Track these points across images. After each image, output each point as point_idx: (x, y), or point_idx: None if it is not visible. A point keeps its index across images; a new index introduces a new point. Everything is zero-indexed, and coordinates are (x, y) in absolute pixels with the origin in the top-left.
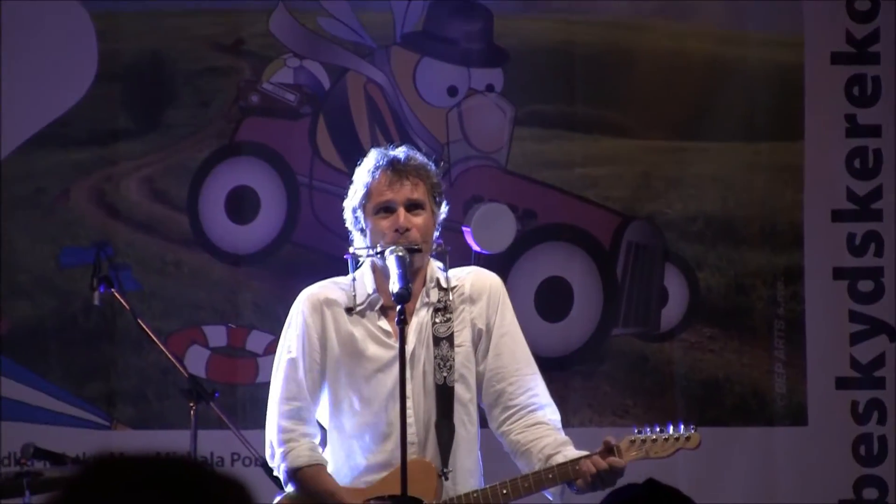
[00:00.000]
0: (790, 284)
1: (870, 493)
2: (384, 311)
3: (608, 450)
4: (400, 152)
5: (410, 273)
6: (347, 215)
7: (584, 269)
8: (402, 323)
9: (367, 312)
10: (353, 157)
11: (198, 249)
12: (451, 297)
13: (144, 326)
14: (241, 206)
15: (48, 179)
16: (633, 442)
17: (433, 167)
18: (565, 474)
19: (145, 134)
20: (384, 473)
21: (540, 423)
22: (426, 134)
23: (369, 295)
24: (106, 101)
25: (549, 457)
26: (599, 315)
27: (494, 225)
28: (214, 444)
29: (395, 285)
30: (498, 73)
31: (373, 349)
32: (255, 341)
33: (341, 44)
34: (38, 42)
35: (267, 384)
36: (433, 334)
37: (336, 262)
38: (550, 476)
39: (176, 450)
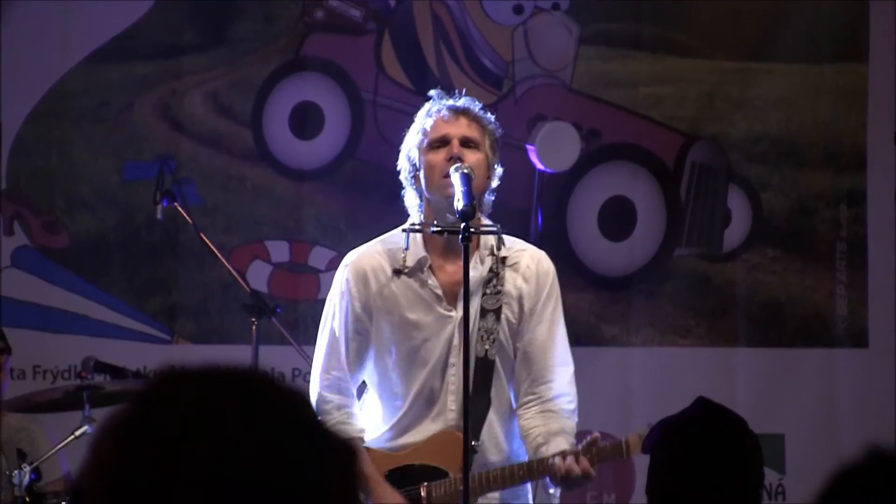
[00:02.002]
0: (853, 207)
1: None
2: (433, 271)
3: (588, 447)
4: (457, 97)
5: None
6: (403, 164)
7: (648, 189)
8: (466, 241)
9: (416, 274)
10: (418, 73)
11: (261, 165)
12: (503, 267)
13: (207, 241)
14: (305, 121)
15: (112, 93)
16: (641, 437)
17: (493, 122)
18: (531, 472)
19: (210, 48)
20: (420, 439)
21: (548, 411)
22: (491, 52)
23: (419, 256)
24: (171, 14)
25: (538, 447)
26: (662, 235)
27: (558, 143)
28: (275, 358)
29: (459, 202)
30: None
31: (421, 315)
32: (318, 257)
33: None
34: None
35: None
36: (482, 305)
37: (399, 178)
38: (521, 473)
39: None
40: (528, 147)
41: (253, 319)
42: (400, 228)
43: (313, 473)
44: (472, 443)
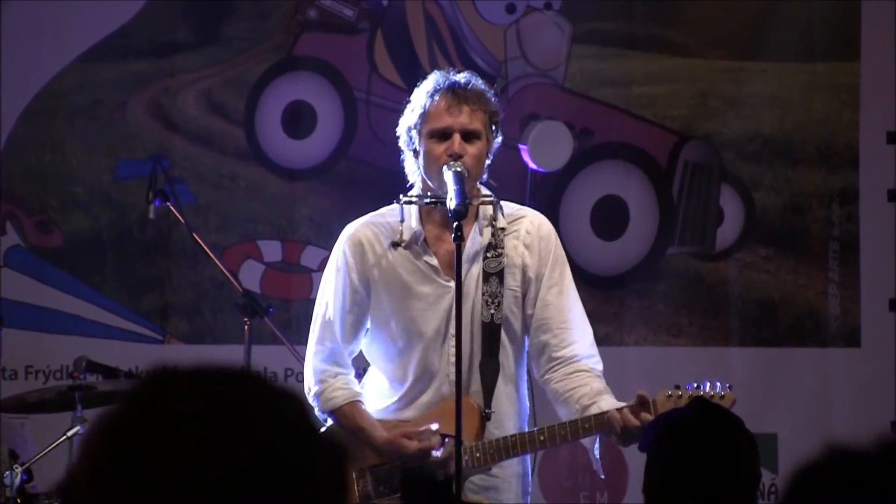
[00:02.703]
0: (845, 205)
1: None
2: (427, 245)
3: (641, 403)
4: (462, 77)
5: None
6: (402, 133)
7: (641, 188)
8: (459, 240)
9: (413, 247)
10: (411, 73)
11: (254, 164)
12: (502, 236)
13: (199, 240)
14: (298, 120)
15: (106, 91)
16: (669, 397)
17: (493, 95)
18: (601, 425)
19: (203, 46)
20: (425, 410)
21: (580, 370)
22: (484, 51)
23: (413, 230)
24: (165, 13)
25: (586, 407)
26: (655, 234)
27: (551, 143)
28: (268, 358)
29: (452, 201)
30: None
31: (420, 286)
32: (310, 256)
33: None
34: None
35: None
36: (483, 269)
37: (392, 178)
38: (587, 426)
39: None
40: (521, 146)
41: (245, 319)
42: (398, 200)
43: (305, 472)
44: (487, 410)
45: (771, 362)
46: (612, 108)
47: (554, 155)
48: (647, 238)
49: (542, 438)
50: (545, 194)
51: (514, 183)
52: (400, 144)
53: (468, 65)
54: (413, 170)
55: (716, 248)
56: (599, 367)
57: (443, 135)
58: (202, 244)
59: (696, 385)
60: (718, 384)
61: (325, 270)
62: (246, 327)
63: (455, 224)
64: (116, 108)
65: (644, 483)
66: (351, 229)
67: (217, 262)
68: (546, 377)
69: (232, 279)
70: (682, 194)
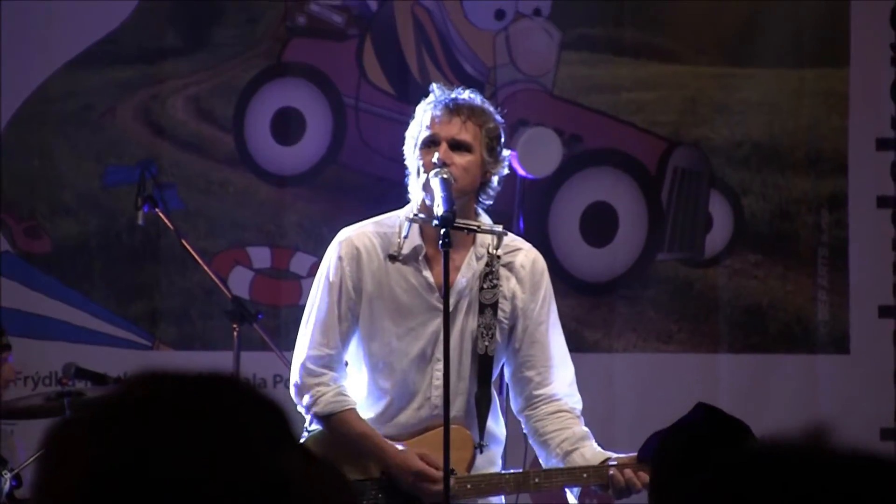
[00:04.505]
0: (834, 212)
1: None
2: (428, 262)
3: (639, 461)
4: (462, 93)
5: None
6: (407, 151)
7: (630, 195)
8: (447, 246)
9: (411, 262)
10: (400, 79)
11: (243, 170)
12: (497, 265)
13: (188, 247)
14: (287, 126)
15: (94, 97)
16: None
17: (496, 116)
18: (600, 478)
19: (192, 52)
20: (402, 430)
21: (561, 410)
22: (473, 57)
23: (415, 245)
24: (153, 19)
25: (568, 452)
26: (644, 240)
27: (540, 149)
28: (257, 365)
29: (438, 208)
30: None
31: (411, 304)
32: (299, 263)
33: None
34: None
35: None
36: (479, 301)
37: (381, 184)
38: (585, 476)
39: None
40: (510, 153)
41: (234, 325)
42: (402, 215)
43: (285, 484)
44: (480, 442)
45: (760, 369)
46: (602, 114)
47: (543, 161)
48: (637, 244)
49: (536, 480)
50: (535, 201)
51: (504, 189)
52: (406, 161)
53: (457, 71)
54: (416, 188)
55: (705, 254)
56: (579, 406)
57: (431, 143)
58: (191, 250)
59: None
60: None
61: (319, 273)
62: (235, 333)
63: (443, 231)
64: (105, 114)
65: (651, 492)
66: (346, 234)
67: (206, 268)
68: (527, 413)
69: (221, 285)
70: (671, 200)
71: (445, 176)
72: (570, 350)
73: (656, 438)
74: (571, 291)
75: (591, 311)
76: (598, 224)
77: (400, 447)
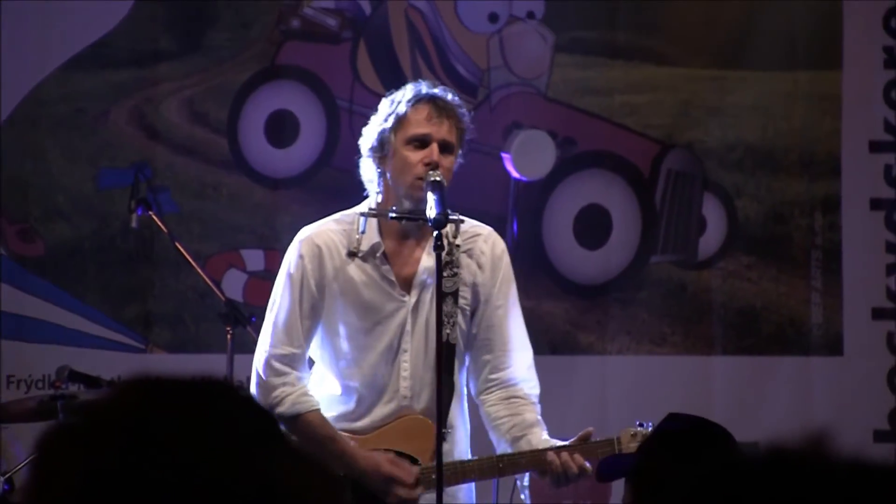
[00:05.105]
0: (828, 214)
1: None
2: (386, 257)
3: (584, 441)
4: (440, 90)
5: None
6: (369, 138)
7: (623, 197)
8: (440, 248)
9: (370, 258)
10: (394, 82)
11: (237, 172)
12: (457, 253)
13: (182, 250)
14: (281, 129)
15: (88, 100)
16: (633, 435)
17: (469, 121)
18: (538, 463)
19: (186, 55)
20: (373, 424)
21: (515, 397)
22: (467, 60)
23: (373, 241)
24: (147, 21)
25: (516, 438)
26: (638, 243)
27: (534, 152)
28: (250, 368)
29: (432, 210)
30: (539, 1)
31: (375, 299)
32: None
33: None
34: None
35: None
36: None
37: None
38: (523, 461)
39: (212, 374)
40: (504, 155)
41: (228, 328)
42: (357, 211)
43: (286, 488)
44: (444, 430)
45: (753, 371)
46: (595, 116)
47: (537, 164)
48: (630, 247)
49: (501, 465)
50: (528, 203)
51: (498, 192)
52: (362, 149)
53: (451, 73)
54: (371, 178)
55: (698, 256)
56: (536, 391)
57: (422, 142)
58: (185, 253)
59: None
60: None
61: (281, 272)
62: (228, 336)
63: (435, 234)
64: (99, 117)
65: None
66: (307, 232)
67: (199, 271)
68: (482, 397)
69: (214, 288)
70: (664, 203)
71: (438, 179)
72: (564, 353)
73: (611, 460)
74: (565, 294)
75: (584, 314)
76: (592, 226)
77: (367, 451)
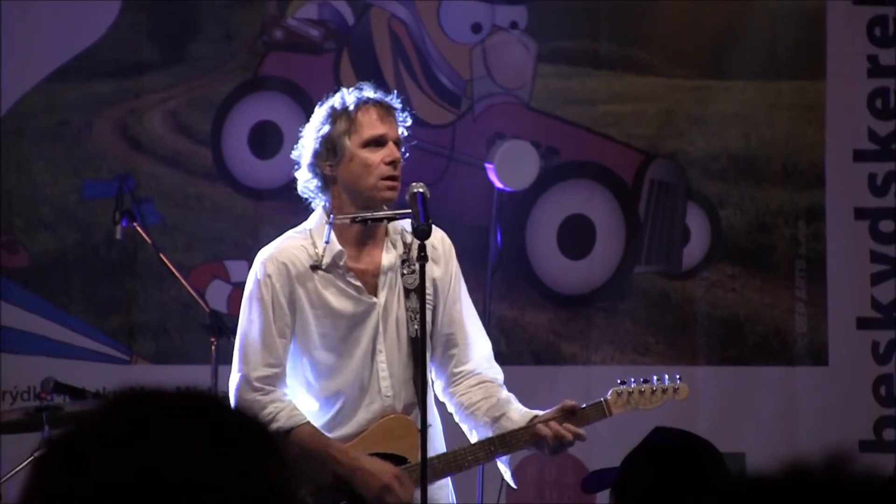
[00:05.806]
0: (812, 224)
1: (889, 433)
2: (349, 267)
3: (567, 414)
4: (380, 93)
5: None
6: (313, 146)
7: (607, 207)
8: (424, 259)
9: (333, 269)
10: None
11: (220, 183)
12: (413, 251)
13: (166, 260)
14: (264, 140)
15: (72, 112)
16: (619, 395)
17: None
18: (530, 437)
19: (169, 66)
20: (358, 428)
21: (483, 381)
22: (450, 70)
23: (335, 251)
24: (130, 33)
25: (496, 418)
26: (621, 253)
27: (517, 162)
28: None
29: (415, 221)
30: (522, 10)
31: (346, 306)
32: None
33: None
34: None
35: None
36: (403, 286)
37: None
38: (515, 439)
39: (196, 384)
40: (487, 165)
41: (212, 339)
42: (312, 224)
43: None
44: (428, 425)
45: (738, 381)
46: (579, 127)
47: (520, 174)
48: (614, 257)
49: (492, 448)
50: (512, 213)
51: (481, 202)
52: (304, 156)
53: (434, 84)
54: (318, 186)
55: (682, 266)
56: (500, 377)
57: (378, 143)
58: (169, 264)
59: (643, 380)
60: (667, 377)
61: (247, 295)
62: (213, 347)
63: (419, 244)
64: (82, 129)
65: None
66: (270, 251)
67: (184, 282)
68: (450, 391)
69: (199, 299)
70: (648, 213)
71: (422, 190)
72: (548, 363)
73: (597, 474)
74: (548, 304)
75: (568, 324)
76: (576, 236)
77: (371, 459)
